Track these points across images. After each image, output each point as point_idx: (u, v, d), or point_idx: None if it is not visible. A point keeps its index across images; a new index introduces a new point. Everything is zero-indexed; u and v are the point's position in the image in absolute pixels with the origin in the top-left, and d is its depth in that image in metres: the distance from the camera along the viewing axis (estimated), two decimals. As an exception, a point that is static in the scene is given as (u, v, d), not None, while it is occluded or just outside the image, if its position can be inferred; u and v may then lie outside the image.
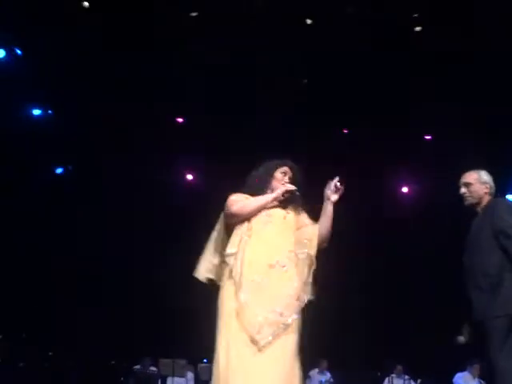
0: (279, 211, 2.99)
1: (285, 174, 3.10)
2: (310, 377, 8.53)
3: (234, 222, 2.94)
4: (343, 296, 9.13)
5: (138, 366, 8.01)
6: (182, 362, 7.19)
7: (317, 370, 8.61)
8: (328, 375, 8.36)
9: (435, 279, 8.34)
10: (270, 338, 2.68)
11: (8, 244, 7.87)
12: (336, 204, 2.96)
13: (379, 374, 8.21)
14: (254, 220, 2.92)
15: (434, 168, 8.67)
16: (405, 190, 10.03)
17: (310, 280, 2.91)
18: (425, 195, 9.47)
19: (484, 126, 7.68)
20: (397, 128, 8.21)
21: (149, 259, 8.61)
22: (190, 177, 9.74)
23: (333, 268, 8.98)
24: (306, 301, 2.85)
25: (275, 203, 3.01)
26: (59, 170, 9.48)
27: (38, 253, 8.21)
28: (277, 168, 3.10)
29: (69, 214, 8.63)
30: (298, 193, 3.02)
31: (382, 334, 8.72)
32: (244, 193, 3.05)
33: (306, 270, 2.90)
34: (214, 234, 3.03)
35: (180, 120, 9.02)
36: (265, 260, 2.82)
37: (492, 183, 3.31)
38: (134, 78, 7.51)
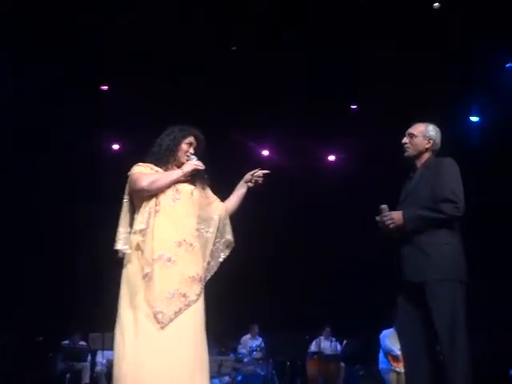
0: (187, 186, 2.98)
1: (190, 144, 3.06)
2: (241, 343, 8.68)
3: (142, 196, 2.90)
4: (271, 261, 9.32)
5: (66, 342, 7.87)
6: (112, 334, 7.08)
7: (248, 335, 8.76)
8: (259, 340, 8.53)
9: (358, 243, 8.62)
10: (172, 316, 2.72)
11: None
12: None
13: (307, 336, 8.45)
14: (162, 196, 2.90)
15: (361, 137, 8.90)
16: (331, 158, 10.25)
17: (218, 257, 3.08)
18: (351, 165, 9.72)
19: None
20: (324, 98, 8.29)
21: (74, 229, 8.40)
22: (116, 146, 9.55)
23: (258, 234, 9.26)
24: (207, 279, 2.95)
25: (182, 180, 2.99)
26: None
27: None
28: (183, 138, 3.05)
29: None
30: (202, 168, 3.02)
31: (311, 297, 8.96)
32: (148, 162, 3.00)
33: (210, 247, 3.02)
34: (125, 206, 2.97)
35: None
36: (173, 237, 2.83)
37: (438, 140, 3.26)
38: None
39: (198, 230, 2.97)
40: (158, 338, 2.70)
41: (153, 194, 2.90)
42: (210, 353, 8.33)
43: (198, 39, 7.27)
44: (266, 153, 10.05)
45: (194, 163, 3.00)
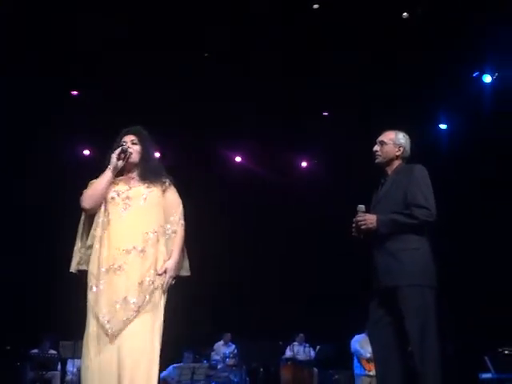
0: (140, 191, 2.92)
1: (123, 144, 3.00)
2: (214, 349, 8.65)
3: (91, 213, 2.89)
4: (243, 268, 9.32)
5: (35, 350, 7.73)
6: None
7: (221, 342, 8.75)
8: (232, 347, 8.52)
9: (331, 249, 8.70)
10: (121, 325, 2.69)
11: None
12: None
13: (281, 343, 8.47)
14: (112, 206, 2.87)
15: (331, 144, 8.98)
16: (304, 164, 10.33)
17: (178, 256, 2.95)
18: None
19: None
20: (295, 104, 8.36)
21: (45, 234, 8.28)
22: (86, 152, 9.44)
23: (230, 243, 9.25)
24: (160, 280, 2.84)
25: (134, 179, 2.96)
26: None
27: None
28: (119, 140, 3.02)
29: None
30: (129, 150, 2.94)
31: (284, 304, 8.98)
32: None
33: (170, 247, 2.92)
34: (80, 225, 2.96)
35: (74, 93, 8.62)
36: (122, 245, 2.80)
37: (408, 147, 3.31)
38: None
39: (155, 232, 2.88)
40: (108, 348, 2.67)
41: (98, 205, 2.88)
42: (184, 360, 8.26)
43: (171, 45, 7.26)
44: (238, 159, 10.07)
45: (114, 152, 2.93)
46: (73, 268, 2.90)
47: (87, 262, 2.86)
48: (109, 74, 7.59)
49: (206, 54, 7.85)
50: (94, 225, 2.88)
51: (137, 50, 7.29)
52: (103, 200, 2.90)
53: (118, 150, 2.94)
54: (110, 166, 2.92)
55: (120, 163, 2.94)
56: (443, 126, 9.08)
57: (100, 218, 2.86)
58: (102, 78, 7.68)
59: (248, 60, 7.63)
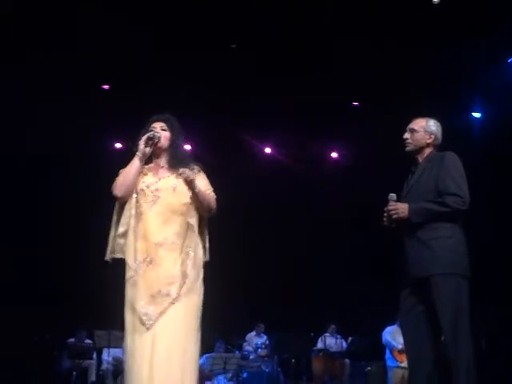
0: (169, 181, 2.92)
1: (152, 130, 2.99)
2: (247, 340, 8.72)
3: (123, 201, 2.90)
4: (276, 260, 9.34)
5: (72, 340, 7.91)
6: (118, 332, 7.14)
7: (254, 333, 8.80)
8: (264, 337, 8.56)
9: (363, 240, 8.65)
10: (157, 316, 2.73)
11: None
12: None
13: (312, 334, 8.47)
14: (142, 198, 2.88)
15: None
16: (334, 155, 10.26)
17: (205, 244, 2.97)
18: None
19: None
20: (325, 94, 8.30)
21: (80, 228, 8.45)
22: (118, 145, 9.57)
23: (263, 234, 9.29)
24: (193, 271, 2.85)
25: (163, 169, 2.96)
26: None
27: None
28: (148, 127, 3.02)
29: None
30: (157, 134, 2.92)
31: (316, 295, 8.98)
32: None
33: (194, 237, 2.91)
34: (115, 214, 2.97)
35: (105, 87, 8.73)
36: (153, 239, 2.82)
37: (439, 135, 3.26)
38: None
39: (181, 225, 2.88)
40: (144, 337, 2.71)
41: (129, 193, 2.89)
42: (216, 350, 8.34)
43: (197, 37, 7.28)
44: (268, 150, 10.08)
45: (142, 139, 2.92)
46: (107, 256, 2.93)
47: (121, 251, 2.88)
48: (139, 66, 7.67)
49: (233, 46, 7.86)
50: (125, 214, 2.89)
51: (166, 42, 7.34)
52: (135, 189, 2.91)
53: (146, 136, 2.93)
54: (139, 153, 2.91)
55: (148, 150, 2.93)
56: (477, 115, 8.90)
57: (132, 210, 2.87)
58: (132, 70, 7.76)
59: (278, 49, 7.60)
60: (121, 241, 2.87)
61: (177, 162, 2.94)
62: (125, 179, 2.90)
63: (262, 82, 8.00)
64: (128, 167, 2.93)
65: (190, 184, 2.86)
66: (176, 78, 7.82)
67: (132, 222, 2.85)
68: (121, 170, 2.98)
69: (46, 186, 8.64)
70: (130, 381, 2.71)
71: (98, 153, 9.00)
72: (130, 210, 2.88)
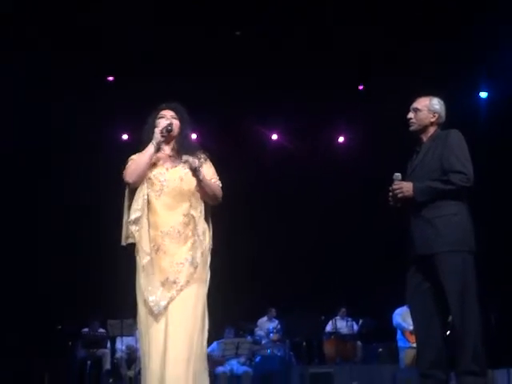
0: (177, 171, 2.93)
1: (162, 117, 3.01)
2: (258, 325, 8.78)
3: (134, 187, 2.92)
4: (285, 244, 9.38)
5: (86, 329, 8.00)
6: (130, 321, 7.23)
7: (265, 317, 8.85)
8: (276, 322, 8.61)
9: (371, 223, 8.65)
10: (165, 304, 2.76)
11: None
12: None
13: (323, 317, 8.52)
14: (151, 188, 2.89)
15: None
16: (341, 139, 10.24)
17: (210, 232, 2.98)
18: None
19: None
20: (332, 78, 8.27)
21: (89, 218, 8.51)
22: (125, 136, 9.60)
23: (272, 217, 9.32)
24: (200, 258, 2.87)
25: (170, 158, 2.97)
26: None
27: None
28: (156, 115, 3.03)
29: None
30: (170, 127, 2.93)
31: (325, 278, 9.02)
32: (141, 151, 2.98)
33: (200, 225, 2.93)
34: (125, 197, 3.00)
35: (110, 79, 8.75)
36: (161, 227, 2.85)
37: (443, 113, 3.25)
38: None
39: (188, 214, 2.90)
40: (156, 324, 2.76)
41: (140, 180, 2.90)
42: (225, 336, 8.39)
43: (203, 25, 7.27)
44: (274, 137, 10.07)
45: (157, 128, 2.93)
46: (123, 241, 2.95)
47: (133, 237, 2.90)
48: (144, 56, 7.67)
49: (237, 33, 7.84)
50: (137, 201, 2.89)
51: (169, 31, 7.33)
52: (145, 177, 2.92)
53: (164, 126, 2.93)
54: (154, 142, 2.92)
55: (163, 139, 2.95)
56: (483, 94, 8.83)
57: (142, 197, 2.89)
58: (137, 60, 7.77)
59: (284, 35, 7.57)
60: (133, 227, 2.87)
61: (185, 150, 2.96)
62: (137, 166, 2.91)
63: (266, 68, 7.98)
64: (141, 155, 2.93)
65: (194, 172, 2.88)
66: (181, 66, 7.82)
67: (142, 210, 2.87)
68: (131, 157, 3.00)
69: (56, 176, 8.66)
70: (147, 370, 2.76)
71: (106, 144, 9.05)
72: (142, 197, 2.89)
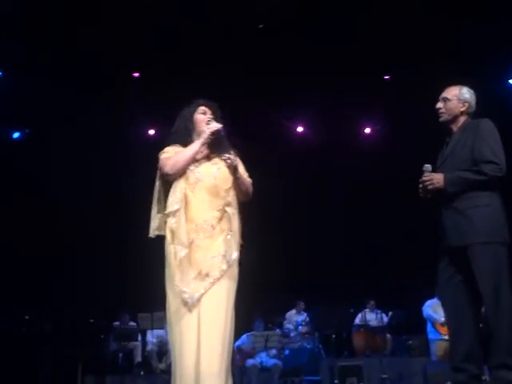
0: (211, 167, 2.97)
1: (204, 113, 3.06)
2: (286, 318, 8.79)
3: (172, 179, 2.94)
4: (314, 237, 9.36)
5: (117, 323, 8.12)
6: (160, 314, 7.30)
7: (294, 311, 8.86)
8: (304, 315, 8.62)
9: (400, 215, 8.56)
10: (198, 296, 2.78)
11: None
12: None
13: (352, 310, 8.49)
14: (186, 181, 2.93)
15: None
16: (367, 130, 10.14)
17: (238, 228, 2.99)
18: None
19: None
20: (358, 69, 8.18)
21: (119, 211, 8.60)
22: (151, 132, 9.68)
23: (301, 211, 9.28)
24: (234, 254, 2.91)
25: (204, 154, 2.99)
26: (16, 135, 9.28)
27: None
28: (195, 110, 3.06)
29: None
30: (222, 133, 2.97)
31: (354, 271, 8.96)
32: (172, 144, 3.01)
33: (235, 221, 2.96)
34: (156, 190, 3.03)
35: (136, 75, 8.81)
36: (196, 221, 2.87)
37: (473, 102, 3.19)
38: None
39: (220, 209, 2.93)
40: (188, 316, 2.78)
41: (180, 174, 2.93)
42: (255, 329, 8.42)
43: (225, 18, 7.25)
44: (300, 129, 10.03)
45: (211, 127, 2.97)
46: (151, 233, 3.00)
47: (169, 229, 2.92)
48: (169, 51, 7.70)
49: (260, 26, 7.81)
50: (176, 194, 2.92)
51: (195, 25, 7.34)
52: (184, 172, 2.95)
53: (217, 129, 2.97)
54: (202, 140, 2.96)
55: (209, 140, 2.98)
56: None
57: (181, 191, 2.91)
58: (162, 56, 7.80)
59: (309, 25, 7.52)
60: (170, 219, 2.90)
61: (219, 147, 3.00)
62: (180, 159, 2.94)
63: (291, 60, 7.93)
64: (187, 150, 2.96)
65: (232, 170, 2.94)
66: (206, 60, 7.83)
67: (179, 204, 2.89)
68: (166, 149, 3.02)
69: (87, 172, 8.78)
70: (179, 366, 2.77)
71: (133, 139, 9.14)
72: (180, 191, 2.92)
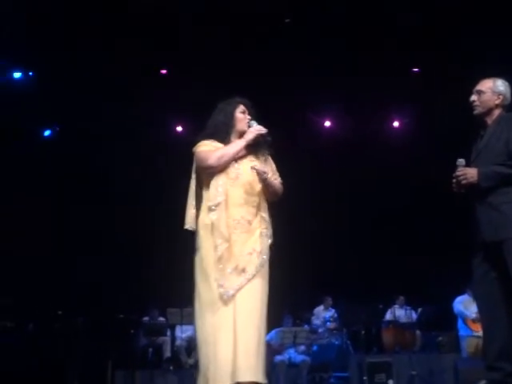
0: (247, 164, 3.00)
1: (244, 112, 3.09)
2: (314, 314, 8.76)
3: (211, 172, 2.96)
4: (343, 233, 9.31)
5: (146, 318, 8.20)
6: (189, 309, 7.34)
7: (322, 307, 8.83)
8: (332, 311, 8.59)
9: (429, 211, 8.46)
10: (234, 292, 2.80)
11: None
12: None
13: (381, 306, 8.42)
14: (225, 175, 2.96)
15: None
16: (396, 124, 10.02)
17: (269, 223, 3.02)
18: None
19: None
20: (384, 63, 8.08)
21: (148, 207, 8.68)
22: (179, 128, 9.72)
23: (329, 206, 9.23)
24: (266, 254, 2.94)
25: (243, 152, 3.03)
26: (47, 133, 9.43)
27: (31, 209, 8.21)
28: (235, 109, 3.08)
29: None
30: (269, 138, 3.03)
31: (383, 267, 8.89)
32: (208, 139, 3.03)
33: (268, 218, 3.01)
34: (192, 184, 3.05)
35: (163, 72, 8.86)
36: (233, 216, 2.90)
37: (508, 95, 3.14)
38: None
39: (255, 206, 2.98)
40: (223, 310, 2.79)
41: (221, 169, 2.96)
42: (284, 324, 8.40)
43: (257, 14, 7.23)
44: (327, 124, 9.97)
45: (255, 128, 3.03)
46: (187, 226, 3.02)
47: (196, 223, 2.97)
48: (196, 49, 7.73)
49: (286, 20, 7.77)
50: (216, 188, 2.94)
51: (220, 23, 7.35)
52: (225, 167, 2.98)
53: (264, 132, 3.04)
54: (247, 139, 3.02)
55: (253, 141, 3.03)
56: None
57: (223, 185, 2.94)
58: (189, 53, 7.83)
59: (335, 22, 7.47)
60: (208, 212, 2.92)
61: (257, 146, 3.06)
62: (227, 154, 2.98)
63: (318, 55, 7.88)
64: (233, 146, 3.01)
65: (262, 181, 2.98)
66: (230, 56, 7.83)
67: (219, 198, 2.92)
68: (203, 142, 3.04)
69: (114, 167, 8.90)
70: (215, 356, 2.76)
71: (162, 137, 9.20)
72: (222, 185, 2.94)
